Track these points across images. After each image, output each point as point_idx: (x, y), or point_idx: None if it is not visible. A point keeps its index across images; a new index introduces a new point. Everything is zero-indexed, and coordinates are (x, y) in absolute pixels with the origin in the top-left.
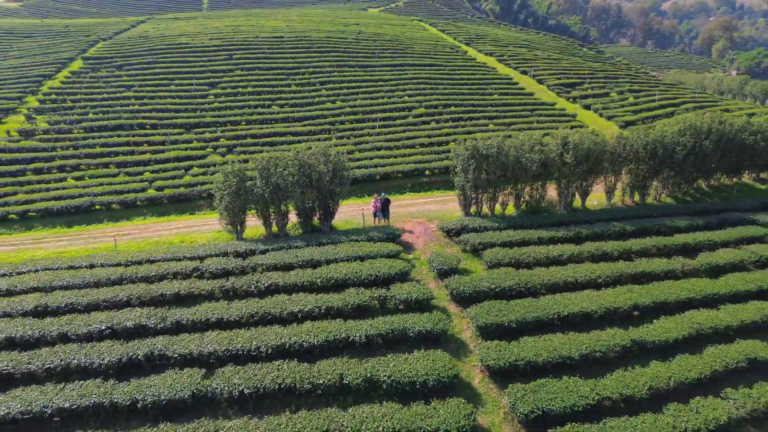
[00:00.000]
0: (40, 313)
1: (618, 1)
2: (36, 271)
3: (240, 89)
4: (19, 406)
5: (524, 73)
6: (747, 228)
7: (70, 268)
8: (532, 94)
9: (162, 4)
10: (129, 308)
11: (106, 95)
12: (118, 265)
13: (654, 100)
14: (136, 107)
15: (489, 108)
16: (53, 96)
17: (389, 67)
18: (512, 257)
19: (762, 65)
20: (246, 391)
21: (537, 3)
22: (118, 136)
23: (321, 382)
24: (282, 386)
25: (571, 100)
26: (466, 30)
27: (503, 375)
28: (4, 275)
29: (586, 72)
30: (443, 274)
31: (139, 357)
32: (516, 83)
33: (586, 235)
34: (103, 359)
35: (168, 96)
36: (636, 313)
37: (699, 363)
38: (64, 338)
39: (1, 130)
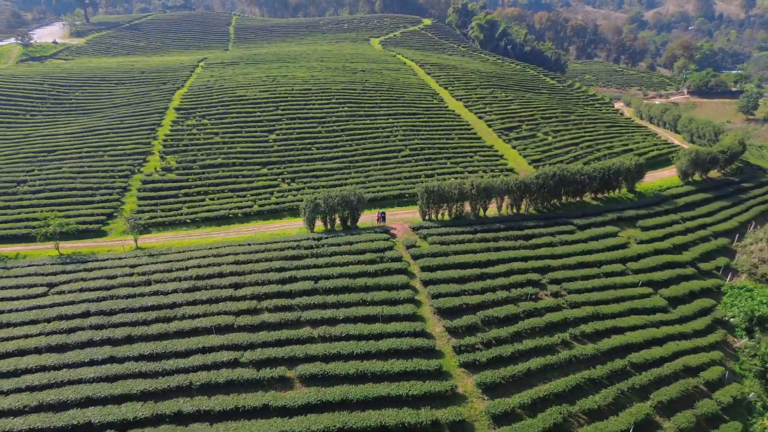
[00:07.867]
0: (237, 263)
1: (604, 11)
2: (225, 246)
3: (289, 135)
4: (240, 296)
5: (480, 117)
6: (565, 226)
7: (239, 245)
8: (480, 138)
9: (196, 37)
10: (275, 260)
11: (203, 140)
12: (260, 243)
13: (564, 140)
14: (225, 150)
15: (449, 149)
16: (170, 141)
17: (386, 116)
18: (441, 240)
19: (709, 84)
20: (332, 286)
21: (515, 32)
22: (223, 170)
23: (358, 285)
24: (344, 287)
25: (507, 141)
26: (447, 71)
27: (428, 283)
28: (210, 248)
29: (527, 114)
30: (409, 247)
31: (287, 277)
32: (471, 128)
33: (479, 229)
34: (274, 278)
35: (242, 141)
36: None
37: (506, 281)
38: (252, 273)
39: (150, 167)
